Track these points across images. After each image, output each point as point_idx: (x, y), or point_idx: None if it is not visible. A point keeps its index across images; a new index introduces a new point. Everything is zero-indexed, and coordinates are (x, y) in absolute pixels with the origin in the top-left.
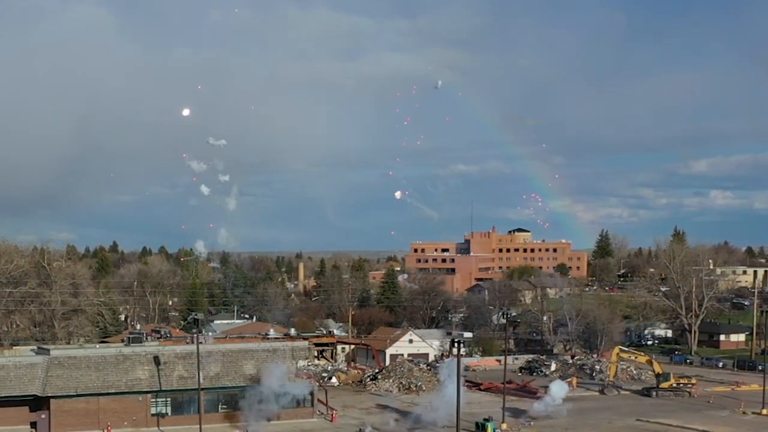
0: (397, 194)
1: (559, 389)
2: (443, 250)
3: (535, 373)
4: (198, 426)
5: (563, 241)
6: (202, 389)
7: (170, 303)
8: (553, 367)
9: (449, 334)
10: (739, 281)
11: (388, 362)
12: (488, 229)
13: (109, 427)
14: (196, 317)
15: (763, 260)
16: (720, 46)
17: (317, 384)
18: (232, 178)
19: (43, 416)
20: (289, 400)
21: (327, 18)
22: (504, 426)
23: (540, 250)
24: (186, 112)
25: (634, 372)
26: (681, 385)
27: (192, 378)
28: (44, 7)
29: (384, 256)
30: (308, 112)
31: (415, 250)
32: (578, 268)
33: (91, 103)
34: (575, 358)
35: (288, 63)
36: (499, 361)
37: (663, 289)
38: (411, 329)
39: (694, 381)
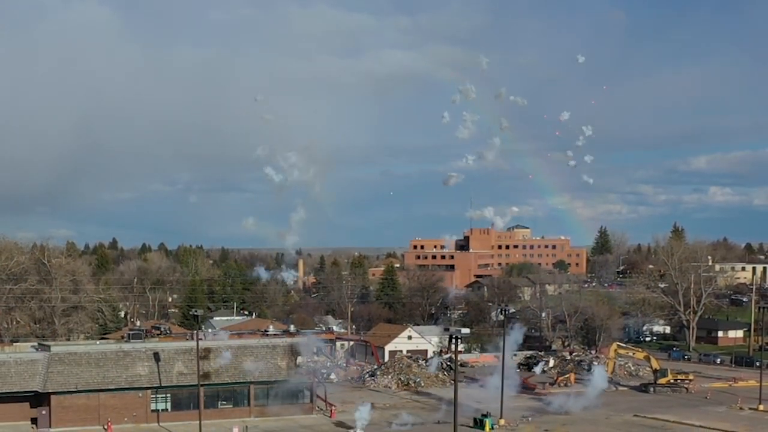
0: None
1: (601, 378)
2: (442, 247)
3: (533, 370)
4: (198, 422)
5: (562, 237)
6: (202, 385)
7: (170, 300)
8: (551, 363)
9: (447, 330)
10: (738, 278)
11: (386, 359)
12: (487, 226)
13: (109, 423)
14: (195, 313)
15: (762, 257)
16: (719, 43)
17: (316, 380)
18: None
19: (43, 412)
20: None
21: (327, 16)
22: (502, 422)
23: (539, 246)
24: (267, 118)
25: (632, 368)
26: (678, 381)
27: (191, 374)
28: (46, 5)
29: (383, 252)
30: (309, 110)
31: (415, 247)
32: (577, 264)
33: (92, 101)
34: (573, 354)
35: (289, 61)
36: (497, 357)
37: (661, 285)
38: (410, 326)
39: (691, 377)
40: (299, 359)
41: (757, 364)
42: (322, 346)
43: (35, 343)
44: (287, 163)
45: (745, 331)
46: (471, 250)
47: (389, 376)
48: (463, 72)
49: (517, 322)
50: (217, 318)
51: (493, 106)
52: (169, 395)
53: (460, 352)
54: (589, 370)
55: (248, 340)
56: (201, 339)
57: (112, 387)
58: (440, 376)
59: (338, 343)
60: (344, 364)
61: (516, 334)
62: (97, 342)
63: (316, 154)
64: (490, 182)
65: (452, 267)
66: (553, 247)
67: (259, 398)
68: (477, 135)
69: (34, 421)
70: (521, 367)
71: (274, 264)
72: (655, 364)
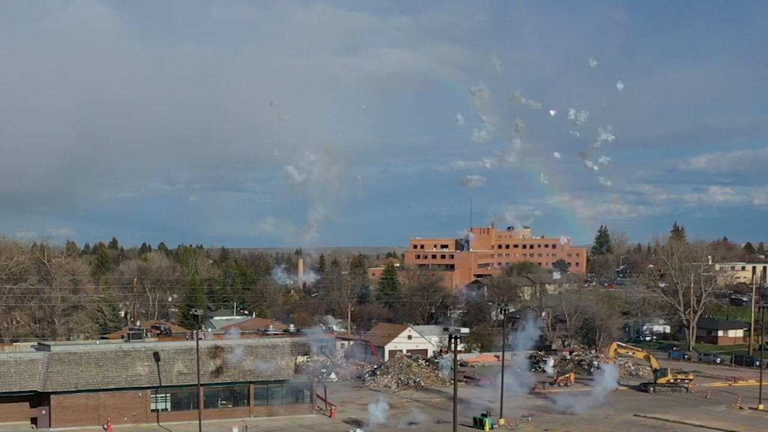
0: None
1: (611, 377)
2: (442, 246)
3: (533, 369)
4: (198, 422)
5: (562, 237)
6: (202, 385)
7: (170, 299)
8: (551, 362)
9: (446, 329)
10: (738, 277)
11: (386, 358)
12: (488, 225)
13: (109, 423)
14: (195, 313)
15: (762, 256)
16: (720, 42)
17: (316, 380)
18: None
19: (43, 412)
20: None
21: (328, 14)
22: (502, 421)
23: (539, 246)
24: (285, 119)
25: (632, 368)
26: (678, 380)
27: (191, 374)
28: (48, 4)
29: (383, 252)
30: (308, 109)
31: (415, 246)
32: (577, 264)
33: (93, 100)
34: (573, 353)
35: (289, 60)
36: (497, 356)
37: (661, 285)
38: (410, 326)
39: (691, 377)
40: (299, 359)
41: (757, 363)
42: (331, 342)
43: (35, 343)
44: (305, 163)
45: (745, 330)
46: (471, 250)
47: (389, 376)
48: (463, 71)
49: (533, 317)
50: (217, 318)
51: (501, 106)
52: (168, 395)
53: (460, 351)
54: (589, 370)
55: (248, 340)
56: (201, 339)
57: (112, 387)
58: (440, 375)
59: (338, 343)
60: (344, 364)
61: (531, 330)
62: (97, 342)
63: (334, 153)
64: (489, 182)
65: (452, 267)
66: (553, 246)
67: (259, 398)
68: (479, 134)
69: (33, 420)
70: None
71: (274, 263)
72: (655, 364)
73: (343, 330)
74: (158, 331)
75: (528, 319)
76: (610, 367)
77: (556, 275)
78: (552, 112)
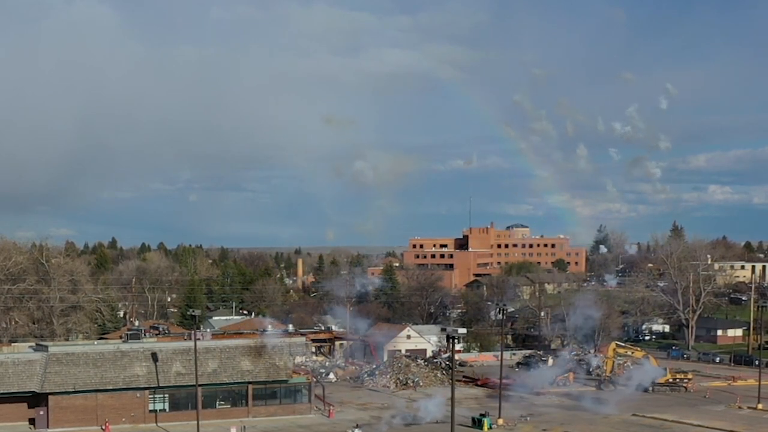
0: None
1: (649, 375)
2: (441, 246)
3: (532, 369)
4: (196, 422)
5: (561, 236)
6: (200, 385)
7: (169, 299)
8: (550, 362)
9: (444, 330)
10: (737, 276)
11: (385, 358)
12: (487, 225)
13: (107, 424)
14: (193, 313)
15: (761, 255)
16: (720, 42)
17: (315, 380)
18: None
19: (41, 412)
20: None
21: (328, 14)
22: (500, 421)
23: (538, 245)
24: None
25: (631, 367)
26: (677, 380)
27: (190, 374)
28: (48, 4)
29: (383, 251)
30: (308, 108)
31: (414, 246)
32: (576, 263)
33: (93, 100)
34: (572, 353)
35: (289, 59)
36: (496, 356)
37: (660, 284)
38: (409, 325)
39: (690, 376)
40: (297, 359)
41: (756, 362)
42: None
43: (33, 344)
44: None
45: (744, 329)
46: (470, 249)
47: (388, 376)
48: (463, 71)
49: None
50: (216, 318)
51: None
52: (167, 395)
53: (459, 351)
54: (588, 369)
55: (247, 340)
56: (199, 339)
57: (110, 387)
58: (439, 375)
59: (337, 343)
60: (343, 364)
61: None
62: (95, 342)
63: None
64: (489, 181)
65: (451, 266)
66: (553, 246)
67: (257, 398)
68: (479, 134)
69: (32, 421)
70: (520, 366)
71: (273, 263)
72: (654, 364)
73: (342, 330)
74: (157, 332)
75: (577, 309)
76: (651, 365)
77: (611, 280)
78: (600, 127)
